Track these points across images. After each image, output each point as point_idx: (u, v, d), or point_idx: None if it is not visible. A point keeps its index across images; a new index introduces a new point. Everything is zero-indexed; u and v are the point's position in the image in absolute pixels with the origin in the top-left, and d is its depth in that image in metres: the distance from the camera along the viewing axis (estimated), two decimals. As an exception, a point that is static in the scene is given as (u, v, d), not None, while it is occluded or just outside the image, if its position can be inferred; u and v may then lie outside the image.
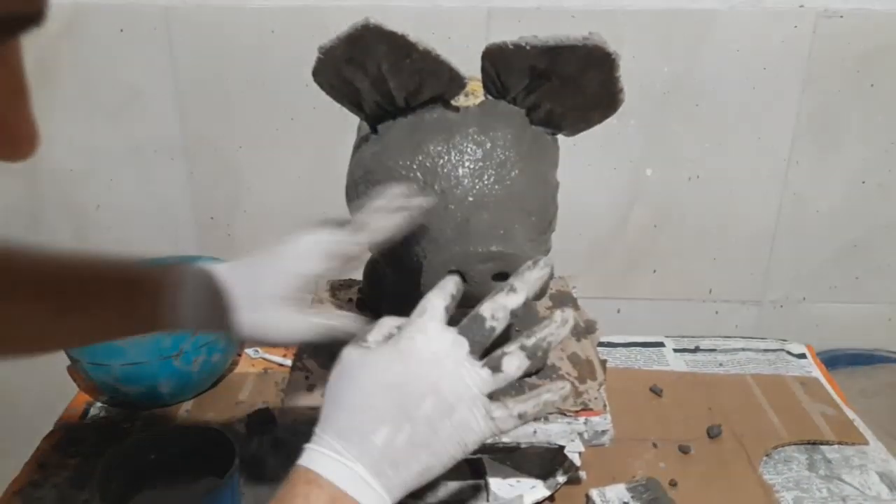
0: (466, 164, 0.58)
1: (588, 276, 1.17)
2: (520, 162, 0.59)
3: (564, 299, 0.88)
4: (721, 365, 1.00)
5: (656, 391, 0.92)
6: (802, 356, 1.03)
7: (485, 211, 0.56)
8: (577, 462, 0.68)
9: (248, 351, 1.02)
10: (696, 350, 1.04)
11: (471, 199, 0.57)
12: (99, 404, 0.90)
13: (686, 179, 1.12)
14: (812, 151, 1.10)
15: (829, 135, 1.09)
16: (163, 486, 0.70)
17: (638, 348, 1.04)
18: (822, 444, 0.84)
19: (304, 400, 0.68)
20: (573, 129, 0.63)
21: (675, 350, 1.04)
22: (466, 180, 0.57)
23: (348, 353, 0.49)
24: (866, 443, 0.84)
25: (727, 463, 0.80)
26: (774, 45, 1.03)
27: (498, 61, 0.57)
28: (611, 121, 1.07)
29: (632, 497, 0.72)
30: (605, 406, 0.68)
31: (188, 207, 1.16)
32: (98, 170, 1.14)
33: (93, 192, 1.15)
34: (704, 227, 1.15)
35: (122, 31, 1.05)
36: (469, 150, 0.58)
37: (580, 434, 0.67)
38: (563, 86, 0.58)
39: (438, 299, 0.50)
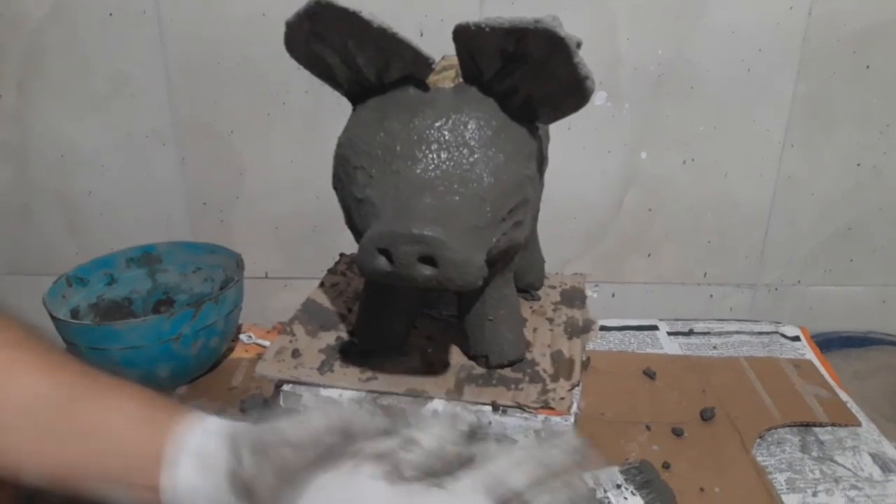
0: (423, 145, 0.57)
1: (582, 260, 1.17)
2: (482, 148, 0.58)
3: (574, 296, 0.87)
4: (715, 348, 1.00)
5: (650, 374, 0.92)
6: (796, 339, 1.04)
7: (428, 193, 0.55)
8: None
9: (242, 336, 1.02)
10: (690, 333, 1.04)
11: (420, 181, 0.56)
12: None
13: (681, 163, 1.11)
14: (807, 134, 1.09)
15: (823, 117, 1.09)
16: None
17: (632, 331, 1.04)
18: (814, 425, 0.84)
19: (280, 365, 0.68)
20: (547, 117, 0.62)
21: (669, 333, 1.04)
22: (422, 162, 0.57)
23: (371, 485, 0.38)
24: (859, 424, 0.84)
25: (720, 445, 0.80)
26: (769, 26, 1.03)
27: (468, 43, 0.56)
28: (605, 104, 1.07)
29: (625, 479, 0.72)
30: (569, 408, 0.66)
31: (180, 193, 1.15)
32: (89, 156, 1.13)
33: (84, 178, 1.14)
34: (699, 211, 1.15)
35: (111, 14, 1.04)
36: (430, 132, 0.57)
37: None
38: (535, 70, 0.57)
39: (519, 474, 0.40)
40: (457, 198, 0.56)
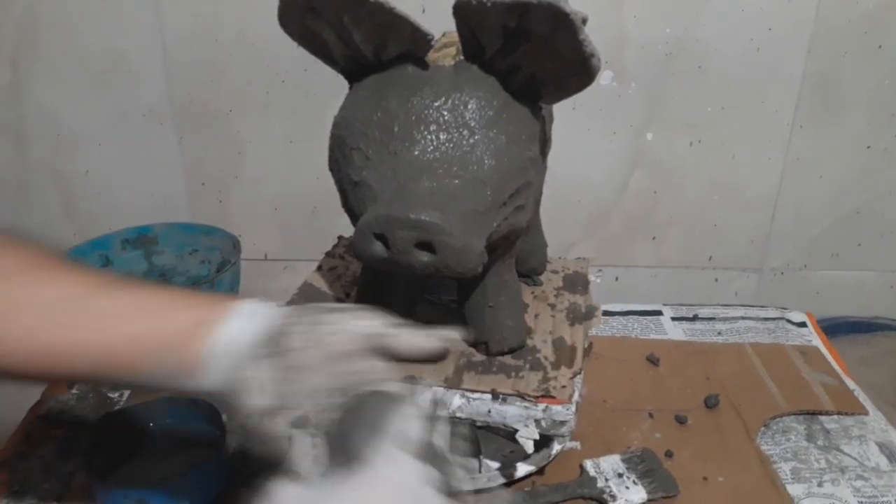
0: (422, 126, 0.55)
1: (586, 243, 1.15)
2: (482, 129, 0.56)
3: (577, 281, 0.85)
4: (720, 334, 0.99)
5: (653, 360, 0.91)
6: (803, 325, 1.02)
7: (426, 176, 0.53)
8: (530, 450, 0.65)
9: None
10: (695, 318, 1.02)
11: (419, 163, 0.54)
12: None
13: (687, 144, 1.09)
14: (816, 115, 1.07)
15: (834, 98, 1.06)
16: (150, 457, 0.69)
17: (635, 317, 1.02)
18: (821, 414, 0.83)
19: None
20: (551, 97, 0.59)
21: (673, 318, 1.02)
22: (420, 143, 0.55)
23: (282, 491, 0.38)
24: (866, 413, 0.83)
25: (724, 433, 0.78)
26: (780, 5, 1.00)
27: (469, 18, 0.54)
28: (611, 84, 1.05)
29: (627, 468, 0.71)
30: (570, 397, 0.65)
31: (178, 173, 1.13)
32: (86, 135, 1.11)
33: (81, 158, 1.13)
34: (705, 193, 1.13)
35: (106, -10, 1.02)
36: (428, 112, 0.55)
37: (537, 421, 0.64)
38: (539, 48, 0.55)
39: (417, 424, 0.40)
40: (456, 181, 0.54)
